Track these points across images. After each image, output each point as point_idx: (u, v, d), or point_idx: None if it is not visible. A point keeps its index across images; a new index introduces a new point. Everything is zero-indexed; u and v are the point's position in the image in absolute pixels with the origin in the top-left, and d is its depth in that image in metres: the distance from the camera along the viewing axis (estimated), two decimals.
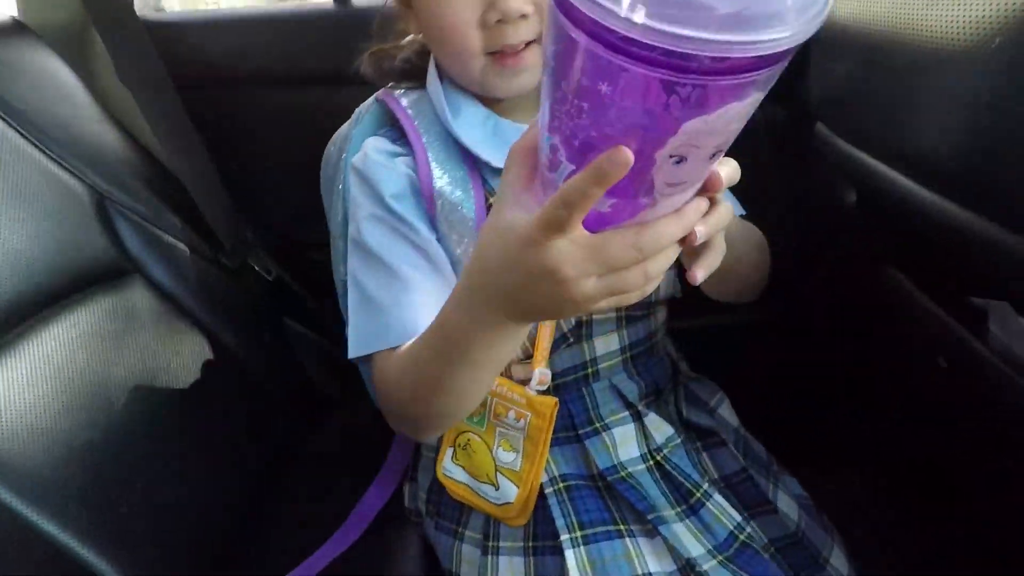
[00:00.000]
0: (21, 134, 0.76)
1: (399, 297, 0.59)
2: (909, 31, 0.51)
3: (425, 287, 0.60)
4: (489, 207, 0.63)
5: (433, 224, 0.63)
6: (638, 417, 0.68)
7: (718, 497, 0.64)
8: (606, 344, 0.68)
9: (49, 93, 0.86)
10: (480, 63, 0.61)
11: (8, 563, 0.57)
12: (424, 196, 0.63)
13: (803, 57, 0.76)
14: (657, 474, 0.66)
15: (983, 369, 0.63)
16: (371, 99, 0.74)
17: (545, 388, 0.64)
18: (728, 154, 0.35)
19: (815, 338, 0.97)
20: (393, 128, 0.68)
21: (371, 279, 0.61)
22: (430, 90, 0.66)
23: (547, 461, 0.65)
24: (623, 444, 0.67)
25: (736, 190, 0.88)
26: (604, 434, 0.67)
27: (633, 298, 0.40)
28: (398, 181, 0.63)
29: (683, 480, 0.65)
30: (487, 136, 0.64)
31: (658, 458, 0.66)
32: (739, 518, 0.64)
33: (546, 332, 0.64)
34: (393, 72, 0.71)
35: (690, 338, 0.83)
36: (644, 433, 0.67)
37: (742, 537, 0.63)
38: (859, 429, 0.92)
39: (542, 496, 0.64)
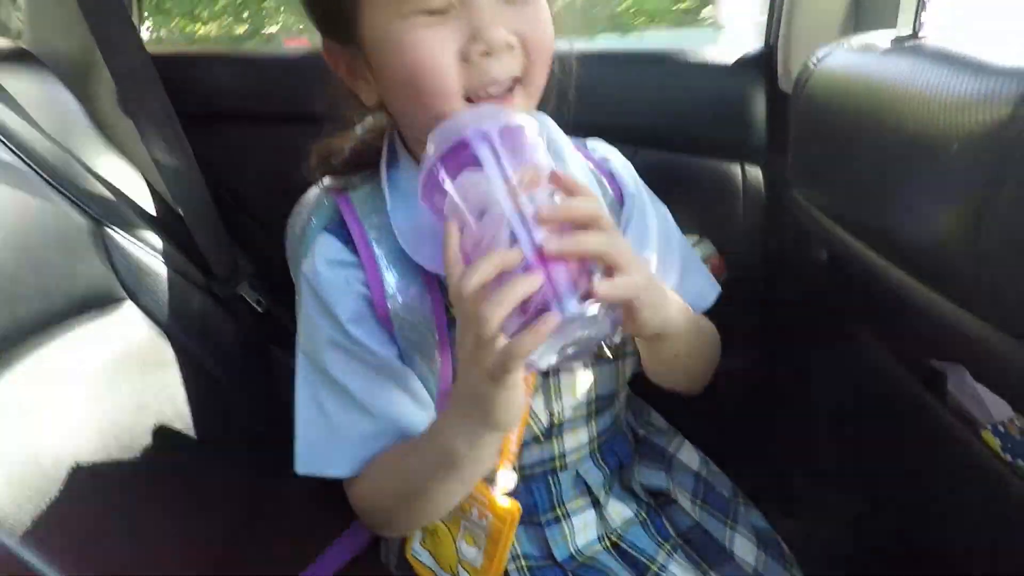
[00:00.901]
0: (22, 160, 0.77)
1: (357, 424, 0.59)
2: (893, 121, 0.54)
3: (385, 414, 0.60)
4: (450, 318, 0.59)
5: (395, 342, 0.61)
6: (598, 504, 0.69)
7: (673, 567, 0.66)
8: (576, 438, 0.68)
9: (52, 121, 0.86)
10: (459, 109, 0.53)
11: None
12: (379, 316, 0.59)
13: (784, 126, 0.81)
14: (615, 552, 0.67)
15: (939, 425, 0.67)
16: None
17: (510, 490, 0.63)
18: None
19: (780, 383, 1.01)
20: (344, 228, 0.62)
21: (329, 400, 0.60)
22: (382, 186, 0.61)
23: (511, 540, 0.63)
24: (582, 531, 0.68)
25: (711, 240, 0.90)
26: (564, 522, 0.67)
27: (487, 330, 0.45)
28: (354, 304, 0.59)
29: (638, 556, 0.67)
30: None
31: (613, 538, 0.68)
32: None
33: (513, 434, 0.63)
34: (344, 166, 0.65)
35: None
36: (602, 517, 0.69)
37: None
38: (823, 464, 0.96)
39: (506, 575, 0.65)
